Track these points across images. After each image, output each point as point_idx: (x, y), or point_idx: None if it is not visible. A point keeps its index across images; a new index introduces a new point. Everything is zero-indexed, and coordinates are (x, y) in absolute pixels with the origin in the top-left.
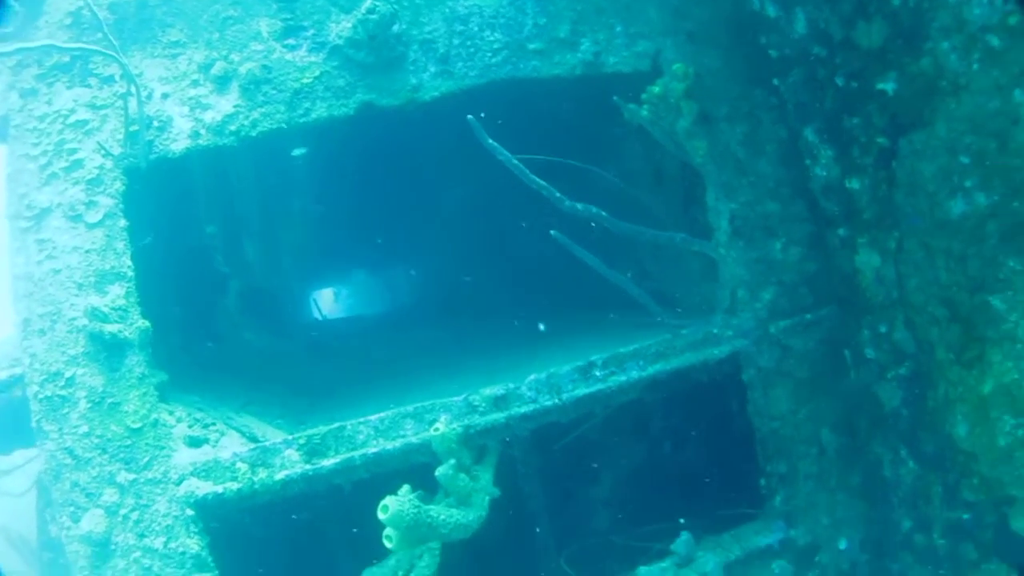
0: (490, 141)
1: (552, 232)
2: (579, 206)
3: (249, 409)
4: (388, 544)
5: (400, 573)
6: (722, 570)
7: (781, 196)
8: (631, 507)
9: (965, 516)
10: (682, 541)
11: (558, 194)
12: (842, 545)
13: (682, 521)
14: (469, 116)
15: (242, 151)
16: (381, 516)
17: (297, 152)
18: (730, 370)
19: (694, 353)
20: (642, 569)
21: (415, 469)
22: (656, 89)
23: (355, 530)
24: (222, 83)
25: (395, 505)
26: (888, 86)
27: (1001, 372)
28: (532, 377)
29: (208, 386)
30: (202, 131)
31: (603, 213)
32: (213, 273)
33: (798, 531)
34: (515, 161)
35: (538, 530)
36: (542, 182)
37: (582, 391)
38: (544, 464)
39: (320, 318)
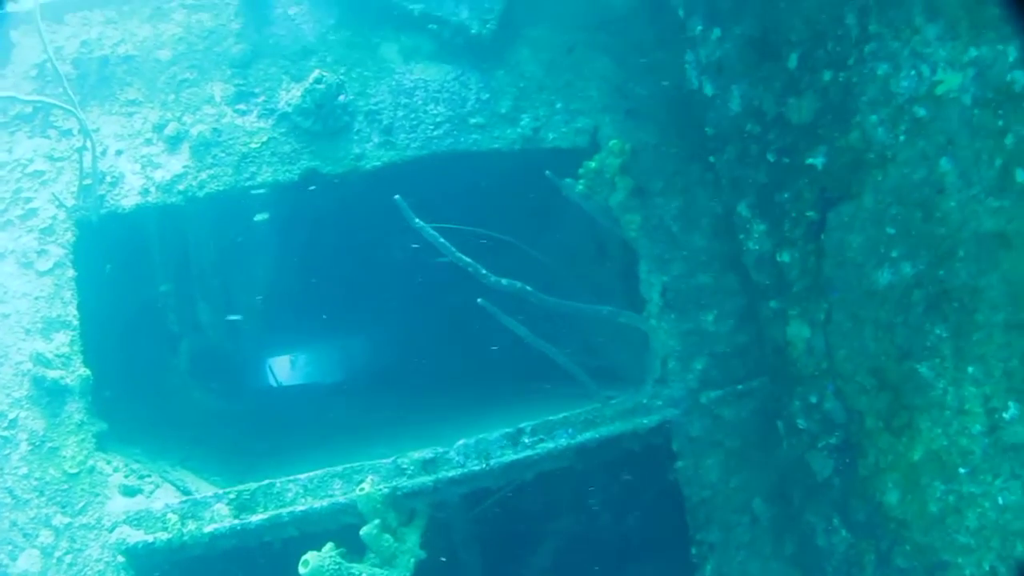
0: (416, 220)
1: (479, 300)
2: (504, 281)
3: (187, 464)
4: None
5: None
6: None
7: (714, 269)
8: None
9: None
10: None
11: (483, 271)
12: None
13: None
14: (396, 196)
15: (195, 211)
16: (302, 571)
17: (259, 217)
18: (661, 439)
19: (624, 422)
20: None
21: (345, 530)
22: (592, 164)
23: None
24: (174, 143)
25: (315, 561)
26: (818, 160)
27: (930, 439)
28: (461, 442)
29: (150, 439)
30: (152, 189)
31: (528, 288)
32: (165, 332)
33: None
34: (441, 240)
35: None
36: (467, 259)
37: (510, 457)
38: (480, 531)
39: (275, 384)
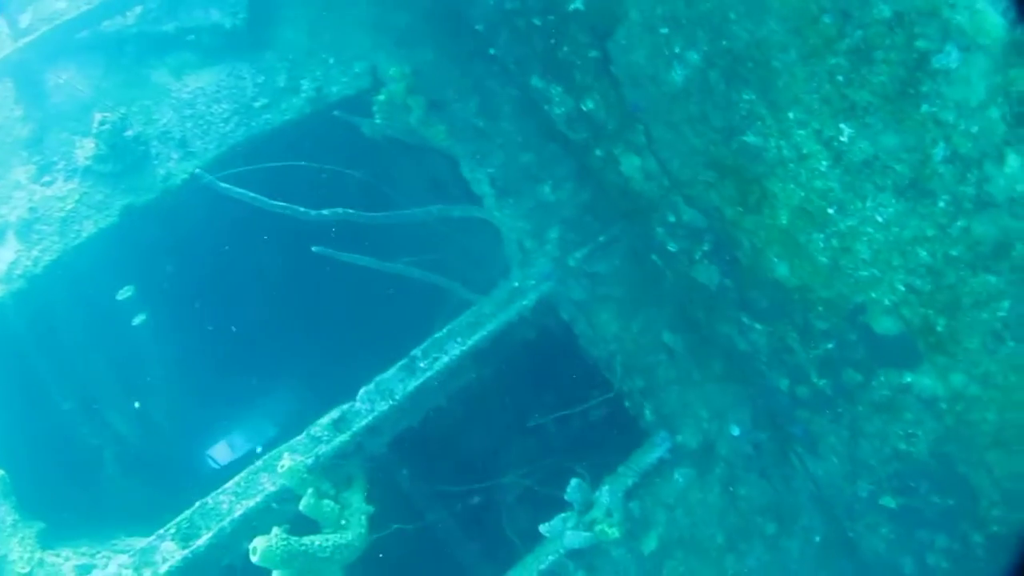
0: (222, 184)
1: (313, 248)
2: (325, 212)
3: (137, 533)
4: None
5: None
6: (621, 497)
7: (532, 146)
8: (529, 479)
9: (829, 346)
10: (573, 488)
11: (301, 209)
12: (735, 431)
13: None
14: (196, 170)
15: (48, 292)
16: (253, 559)
17: (138, 320)
18: (550, 319)
19: (505, 312)
20: (543, 526)
21: (297, 520)
22: (381, 97)
23: None
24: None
25: (263, 543)
26: (578, 3)
27: (788, 198)
28: (362, 390)
29: (91, 532)
30: None
31: (350, 211)
32: (84, 444)
33: (684, 435)
34: (250, 194)
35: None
36: (281, 203)
37: (412, 385)
38: (427, 472)
39: (218, 466)
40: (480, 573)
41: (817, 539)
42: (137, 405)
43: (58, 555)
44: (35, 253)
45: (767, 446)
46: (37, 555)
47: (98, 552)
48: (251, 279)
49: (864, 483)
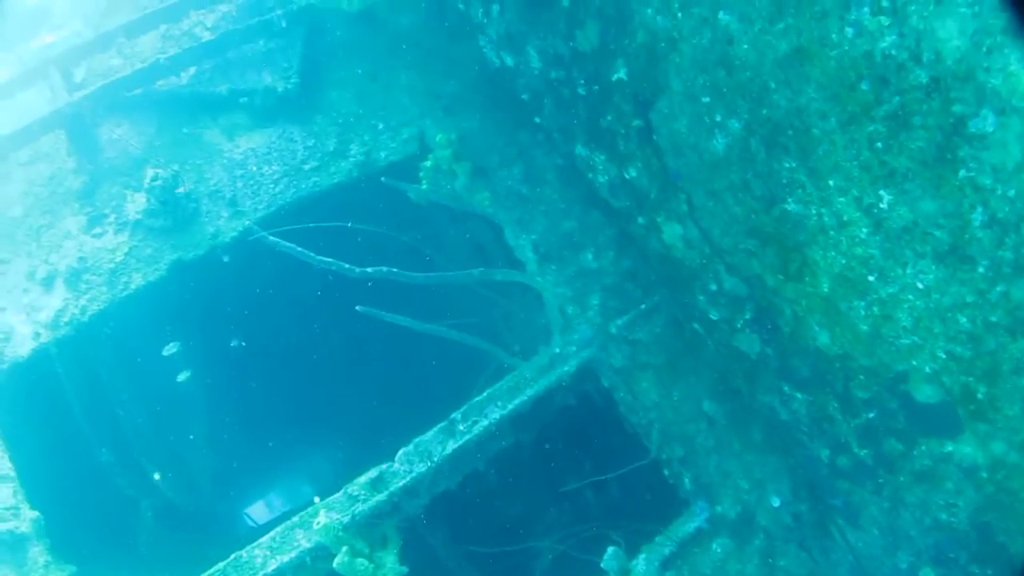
0: (270, 237)
1: (358, 308)
2: (370, 270)
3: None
4: None
5: None
6: (657, 567)
7: (574, 214)
8: (565, 545)
9: (870, 415)
10: (609, 556)
11: (346, 265)
12: (775, 502)
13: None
14: (247, 223)
15: (93, 342)
16: None
17: (182, 377)
18: (591, 385)
19: (546, 377)
20: None
21: None
22: (428, 163)
23: None
24: (48, 284)
25: None
26: (621, 72)
27: (829, 265)
28: (401, 451)
29: None
30: (41, 331)
31: (394, 270)
32: (121, 495)
33: (724, 505)
34: (298, 248)
35: None
36: (328, 259)
37: (451, 447)
38: (460, 535)
39: (255, 525)
40: None
41: None
42: (157, 477)
43: None
44: (83, 302)
45: (807, 517)
46: None
47: None
48: (295, 338)
49: (904, 554)
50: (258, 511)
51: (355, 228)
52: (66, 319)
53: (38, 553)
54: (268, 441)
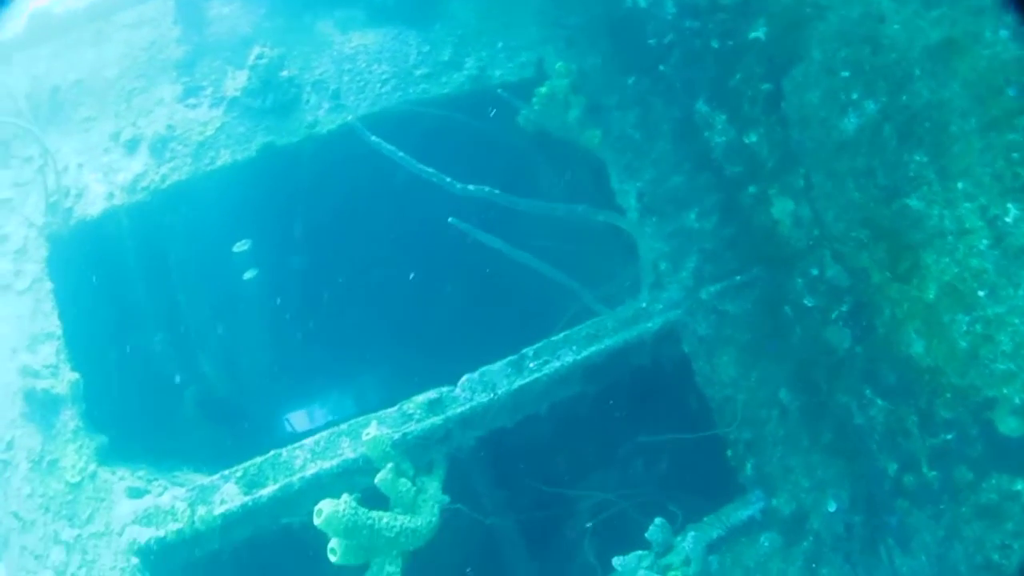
0: (373, 138)
1: (450, 219)
2: (471, 187)
3: (199, 471)
4: (333, 557)
5: None
6: (703, 548)
7: (685, 170)
8: (605, 511)
9: (948, 437)
10: (656, 527)
11: (448, 179)
12: (831, 507)
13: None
14: (349, 118)
15: (165, 213)
16: (316, 521)
17: (249, 275)
18: (670, 349)
19: (627, 331)
20: (618, 560)
21: (366, 494)
22: (543, 89)
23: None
24: (131, 147)
25: (330, 507)
26: (759, 32)
27: (940, 272)
28: (465, 377)
29: (157, 461)
30: (116, 192)
31: (496, 191)
32: (168, 377)
33: (780, 499)
34: (401, 153)
35: (510, 550)
36: (430, 169)
37: (517, 384)
38: (503, 478)
39: (292, 431)
40: None
41: None
42: (177, 379)
43: (113, 472)
44: (164, 170)
45: (859, 530)
46: (91, 467)
47: (155, 480)
48: (371, 250)
49: None
50: (299, 419)
51: (453, 146)
52: (144, 184)
53: (70, 417)
54: (323, 352)
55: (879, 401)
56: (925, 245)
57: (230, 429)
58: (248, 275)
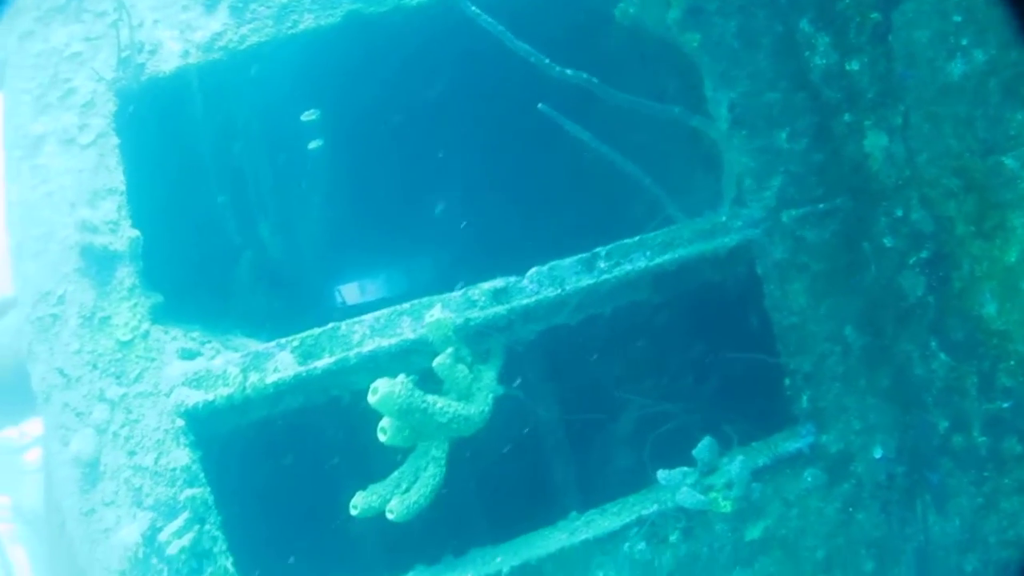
0: (472, 8)
1: (540, 105)
2: (569, 72)
3: (254, 336)
4: (382, 437)
5: (404, 484)
6: (749, 476)
7: (781, 88)
8: (654, 423)
9: (1005, 405)
10: (704, 446)
11: (547, 60)
12: (877, 454)
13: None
14: None
15: (239, 74)
16: (371, 399)
17: (313, 145)
18: (742, 270)
19: (703, 243)
20: (662, 473)
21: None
22: None
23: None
24: (211, 5)
25: (386, 386)
26: None
27: None
28: (533, 270)
29: (211, 323)
30: (192, 50)
31: (594, 80)
32: (226, 241)
33: (829, 436)
34: (499, 27)
35: (555, 453)
36: (528, 47)
37: (586, 282)
38: (557, 378)
39: (343, 303)
40: (573, 502)
41: None
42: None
43: (166, 332)
44: (243, 31)
45: (899, 482)
46: (144, 326)
47: (209, 342)
48: (443, 131)
49: (972, 558)
50: (350, 292)
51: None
52: (221, 44)
53: (127, 275)
54: (381, 230)
55: (942, 356)
56: (1015, 207)
57: (283, 296)
58: (313, 145)
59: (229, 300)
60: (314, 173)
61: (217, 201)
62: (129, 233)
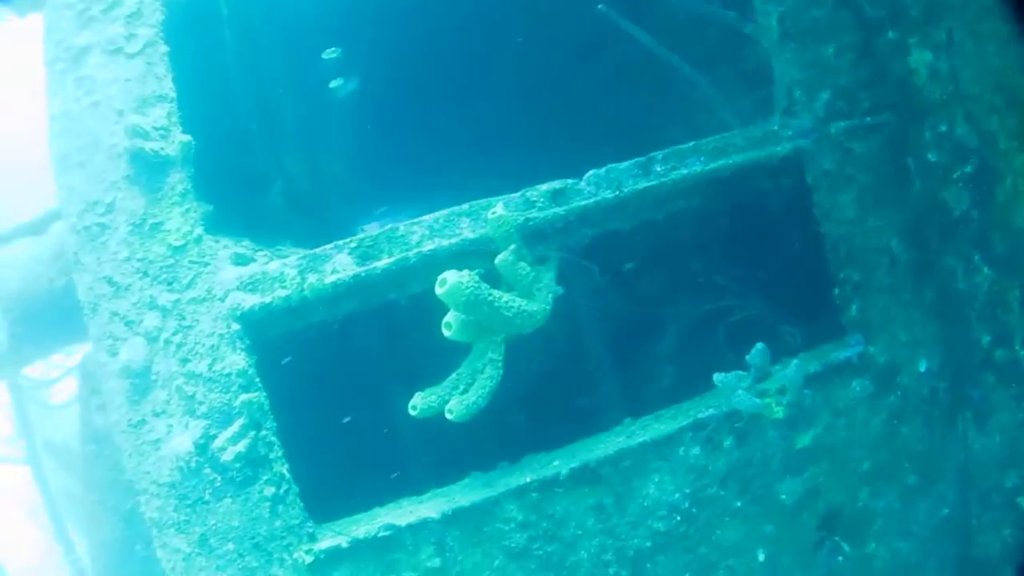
0: None
1: (600, 6)
2: None
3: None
4: (447, 332)
5: (462, 386)
6: (802, 382)
7: (827, 4)
8: (703, 332)
9: None
10: (757, 351)
11: None
12: (922, 367)
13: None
14: None
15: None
16: (439, 290)
17: (335, 84)
18: (793, 177)
19: (756, 150)
20: (718, 376)
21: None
22: None
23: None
24: None
25: (454, 277)
26: None
27: None
28: (591, 172)
29: (257, 235)
30: None
31: None
32: (256, 170)
33: (876, 347)
34: None
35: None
36: None
37: (642, 185)
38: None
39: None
40: (620, 409)
41: (944, 511)
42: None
43: (217, 241)
44: None
45: (942, 396)
46: (197, 231)
47: (260, 250)
48: (479, 58)
49: (1014, 474)
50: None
51: None
52: None
53: (178, 180)
54: (410, 166)
55: (985, 269)
56: None
57: (314, 224)
58: (334, 83)
59: (262, 227)
60: (342, 109)
61: (250, 125)
62: (181, 138)
